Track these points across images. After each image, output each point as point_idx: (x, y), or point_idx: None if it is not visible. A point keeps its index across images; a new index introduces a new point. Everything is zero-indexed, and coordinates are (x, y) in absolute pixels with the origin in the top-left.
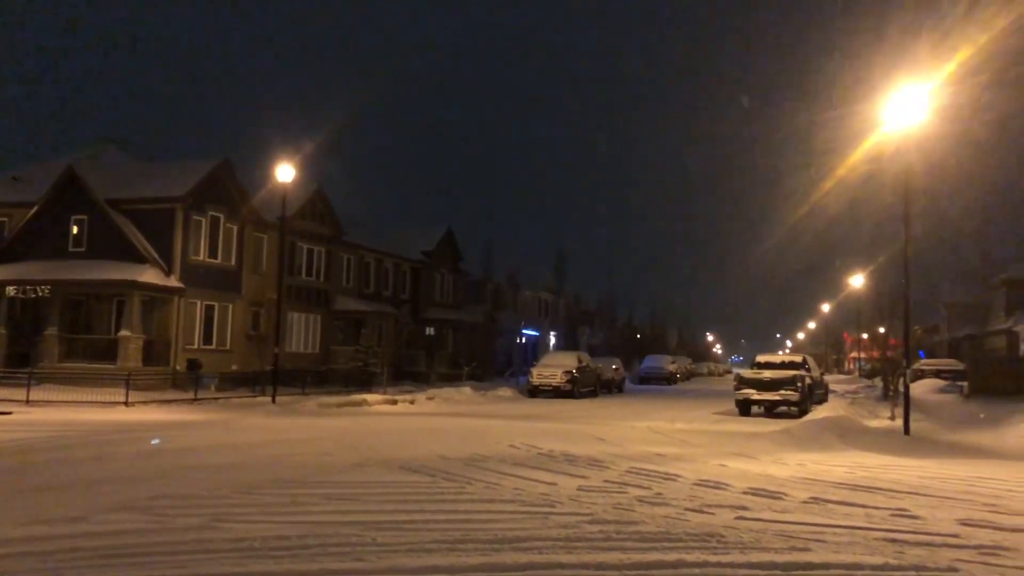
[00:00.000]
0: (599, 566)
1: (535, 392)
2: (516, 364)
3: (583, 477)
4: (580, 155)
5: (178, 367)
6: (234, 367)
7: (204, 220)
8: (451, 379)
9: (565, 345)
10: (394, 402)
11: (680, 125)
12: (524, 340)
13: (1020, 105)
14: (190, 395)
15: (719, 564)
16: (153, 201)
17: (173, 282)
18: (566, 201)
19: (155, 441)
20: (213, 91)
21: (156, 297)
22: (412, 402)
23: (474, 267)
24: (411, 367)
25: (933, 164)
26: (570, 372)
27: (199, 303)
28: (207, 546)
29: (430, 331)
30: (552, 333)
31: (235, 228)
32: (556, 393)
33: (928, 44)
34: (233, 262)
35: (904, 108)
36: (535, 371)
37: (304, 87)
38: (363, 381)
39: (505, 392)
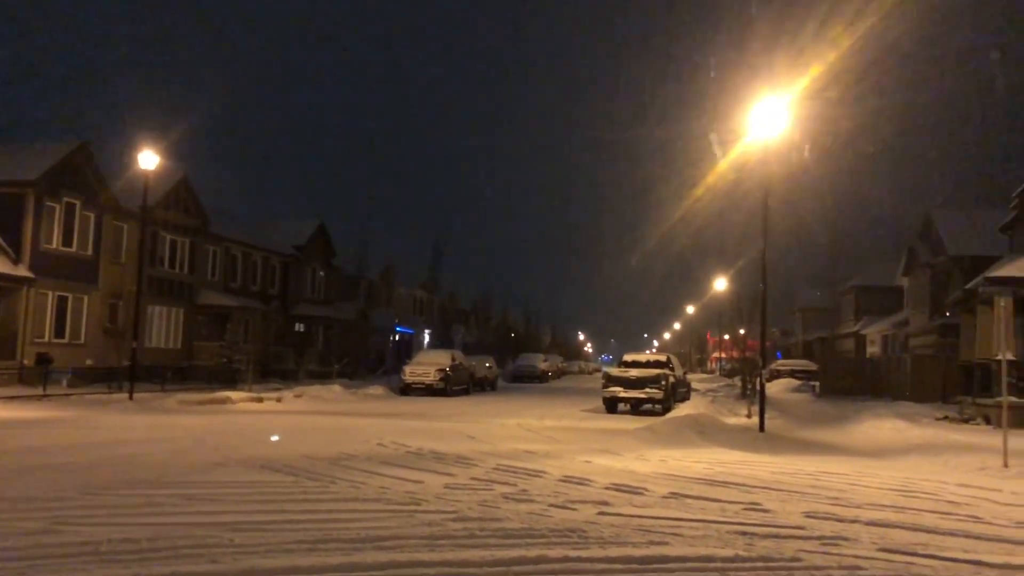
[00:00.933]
0: (462, 564)
1: (407, 390)
2: (389, 362)
3: (450, 475)
4: (459, 154)
5: (26, 361)
6: (89, 362)
7: (59, 207)
8: (321, 377)
9: (439, 343)
10: (260, 400)
11: (561, 128)
12: (397, 338)
13: (865, 120)
14: (39, 391)
15: (579, 559)
16: (1, 185)
17: (21, 271)
18: (444, 200)
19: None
20: (70, 70)
21: (2, 287)
22: (279, 400)
23: (348, 263)
24: (279, 364)
25: (793, 175)
26: (443, 370)
27: (51, 294)
28: (47, 551)
29: (300, 328)
30: (426, 331)
31: (93, 216)
32: (429, 391)
33: (785, 60)
34: (90, 252)
35: (764, 120)
36: (408, 369)
37: (171, 71)
38: (228, 378)
39: (376, 390)
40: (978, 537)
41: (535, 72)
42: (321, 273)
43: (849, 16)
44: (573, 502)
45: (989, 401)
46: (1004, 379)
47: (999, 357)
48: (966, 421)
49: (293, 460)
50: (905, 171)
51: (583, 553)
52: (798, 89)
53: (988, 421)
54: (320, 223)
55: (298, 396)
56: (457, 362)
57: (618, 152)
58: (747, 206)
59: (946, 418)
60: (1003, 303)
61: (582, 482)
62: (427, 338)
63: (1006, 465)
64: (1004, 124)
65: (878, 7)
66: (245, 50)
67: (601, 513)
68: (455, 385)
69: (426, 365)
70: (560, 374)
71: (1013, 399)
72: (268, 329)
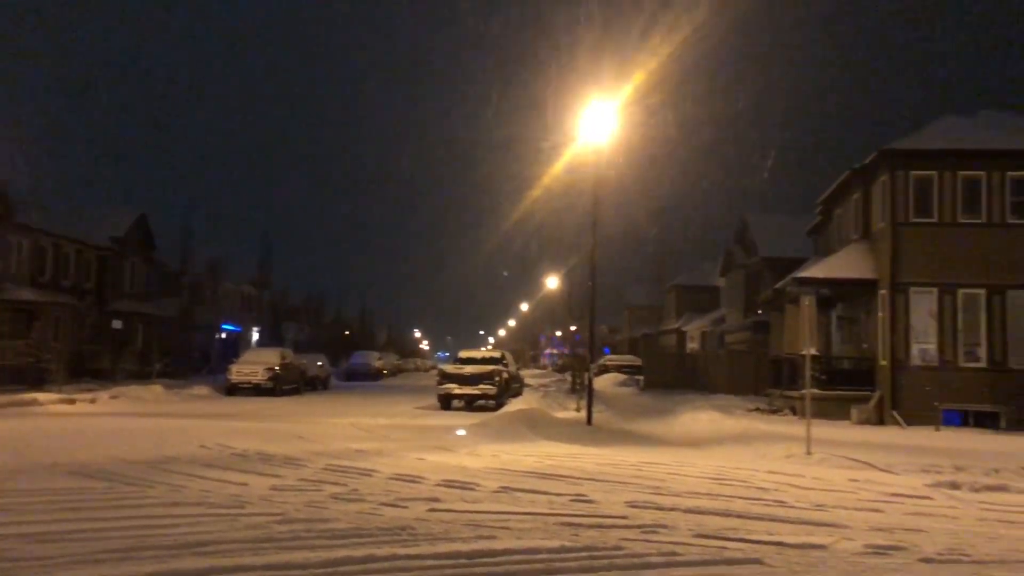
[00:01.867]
0: (285, 566)
1: (234, 390)
2: (214, 361)
3: (277, 476)
4: (293, 146)
5: None
6: None
7: None
8: (140, 377)
9: (269, 341)
10: (72, 402)
11: (399, 123)
12: (224, 336)
13: (686, 126)
14: None
15: (408, 556)
16: None
17: None
18: (276, 193)
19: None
20: None
21: None
22: (93, 401)
23: (170, 257)
24: (94, 364)
25: (623, 178)
26: (272, 369)
27: None
28: None
29: (118, 325)
30: (255, 329)
31: None
32: (257, 391)
33: (612, 65)
34: None
35: (594, 123)
36: (234, 368)
37: None
38: (35, 379)
39: (201, 390)
40: (782, 520)
41: (371, 68)
42: (141, 266)
43: (666, 26)
44: (404, 500)
45: (795, 393)
46: (808, 372)
47: (804, 352)
48: (775, 412)
49: (107, 464)
50: (725, 177)
51: (412, 551)
52: (624, 95)
53: (794, 412)
54: (141, 213)
55: (115, 397)
56: (287, 361)
57: (456, 152)
58: (581, 207)
59: (757, 409)
60: (807, 302)
61: (414, 480)
62: (256, 336)
63: (809, 452)
64: (810, 133)
65: (691, 20)
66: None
67: (432, 510)
68: (285, 384)
69: (254, 364)
70: (396, 372)
71: (816, 391)
72: (82, 326)
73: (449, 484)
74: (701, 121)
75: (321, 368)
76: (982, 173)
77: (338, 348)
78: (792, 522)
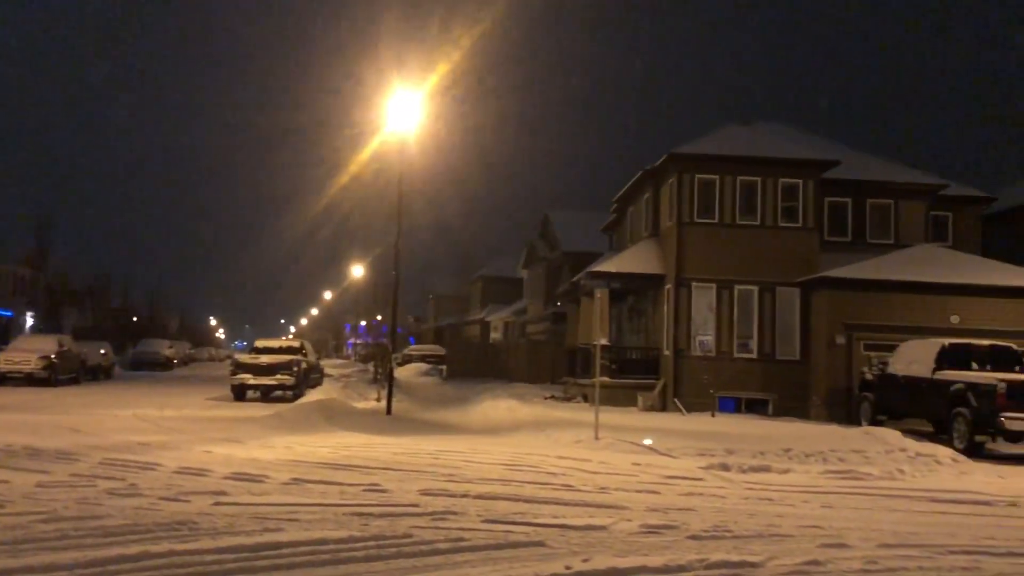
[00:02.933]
0: (48, 568)
1: (2, 380)
2: None
3: (45, 472)
4: (72, 124)
5: None
6: None
7: None
8: None
9: (46, 328)
10: None
11: (193, 106)
12: None
13: (490, 120)
14: None
15: (187, 552)
16: None
17: None
18: (55, 167)
19: None
20: None
21: None
22: None
23: None
24: None
25: (432, 169)
26: (48, 357)
27: None
28: None
29: None
30: (29, 314)
31: None
32: (29, 380)
33: (418, 55)
34: None
35: (400, 112)
36: (2, 356)
37: None
38: None
39: None
40: (568, 504)
41: (163, 45)
42: None
43: (467, 19)
44: (187, 494)
45: (587, 381)
46: (598, 361)
47: (596, 342)
48: (569, 399)
49: None
50: (530, 172)
51: (191, 546)
52: (429, 85)
53: (586, 399)
54: None
55: None
56: (65, 348)
57: (251, 137)
58: (389, 196)
59: (552, 397)
60: (599, 294)
61: (199, 473)
62: (30, 321)
63: (597, 438)
64: (606, 133)
65: (490, 13)
66: None
67: (217, 504)
68: (62, 374)
69: (26, 351)
70: (188, 361)
71: (606, 379)
72: None
73: (237, 477)
74: (508, 116)
75: (104, 356)
76: (757, 179)
77: (125, 335)
78: (577, 505)
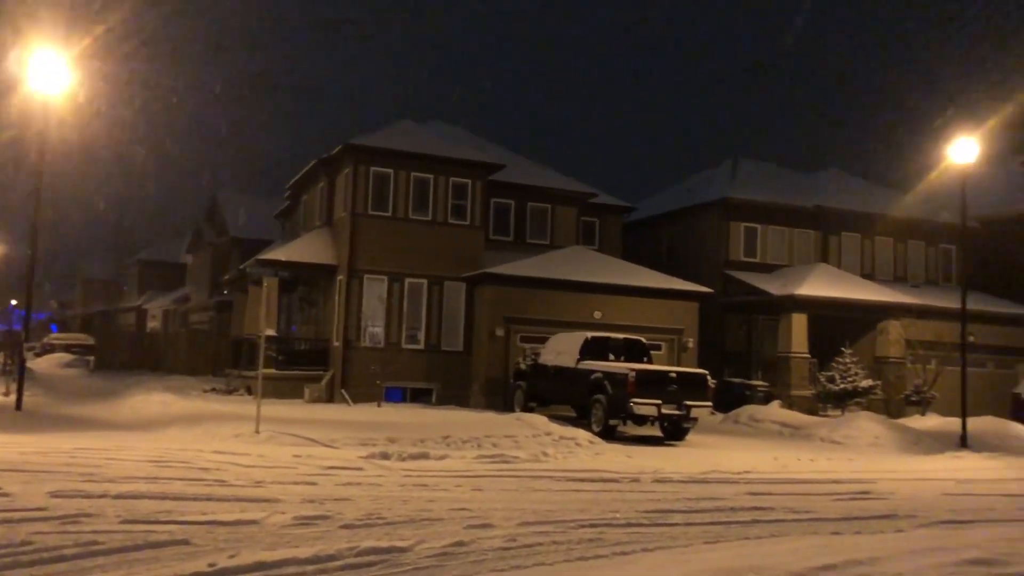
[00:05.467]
0: None
1: None
2: None
3: None
4: None
5: None
6: None
7: None
8: None
9: None
10: None
11: None
12: None
13: (151, 93)
14: None
15: None
16: None
17: None
18: None
19: None
20: None
21: None
22: None
23: None
24: None
25: (83, 138)
26: None
27: None
28: None
29: None
30: None
31: None
32: None
33: (67, 14)
34: None
35: (43, 72)
36: None
37: None
38: None
39: None
40: (219, 499)
41: None
42: None
43: None
44: None
45: (251, 373)
46: (262, 353)
47: (261, 332)
48: (231, 392)
49: None
50: (197, 152)
51: None
52: (81, 47)
53: (250, 391)
54: None
55: None
56: None
57: None
58: (27, 167)
59: (213, 390)
60: (267, 283)
61: None
62: None
63: (258, 431)
64: (294, 116)
65: None
66: None
67: None
68: None
69: None
70: None
71: (273, 371)
72: None
73: None
74: (187, 89)
75: None
76: (431, 176)
77: None
78: (229, 500)
